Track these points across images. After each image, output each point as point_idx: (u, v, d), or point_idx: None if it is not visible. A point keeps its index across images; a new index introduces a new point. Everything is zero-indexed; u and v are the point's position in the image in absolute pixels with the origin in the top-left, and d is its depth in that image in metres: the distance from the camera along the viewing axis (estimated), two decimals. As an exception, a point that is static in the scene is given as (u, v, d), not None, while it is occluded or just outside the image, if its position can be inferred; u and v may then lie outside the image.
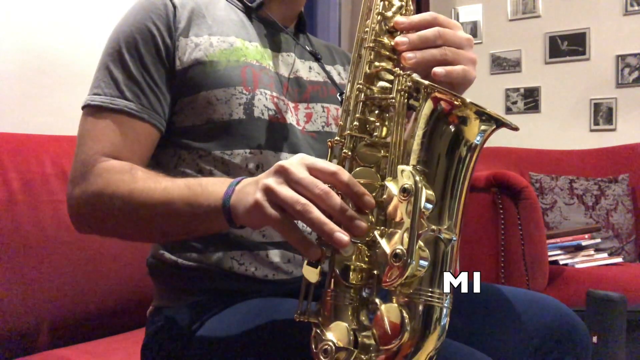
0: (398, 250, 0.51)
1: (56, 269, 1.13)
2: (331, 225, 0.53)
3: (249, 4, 0.89)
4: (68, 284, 1.15)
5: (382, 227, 0.56)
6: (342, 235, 0.53)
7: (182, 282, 0.80)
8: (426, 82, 0.56)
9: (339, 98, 0.88)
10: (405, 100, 0.59)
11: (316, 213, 0.53)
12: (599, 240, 2.16)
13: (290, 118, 0.84)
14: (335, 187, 0.56)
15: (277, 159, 0.80)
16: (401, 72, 0.60)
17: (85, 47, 1.54)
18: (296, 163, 0.56)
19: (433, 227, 0.53)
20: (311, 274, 0.57)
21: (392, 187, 0.54)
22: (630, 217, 2.37)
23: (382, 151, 0.61)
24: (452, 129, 0.55)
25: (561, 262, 2.01)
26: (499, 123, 0.56)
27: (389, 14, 0.67)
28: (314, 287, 0.59)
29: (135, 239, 0.79)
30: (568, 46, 2.93)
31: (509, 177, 1.86)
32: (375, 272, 0.57)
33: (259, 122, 0.80)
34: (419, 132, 0.56)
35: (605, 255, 2.13)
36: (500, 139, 2.72)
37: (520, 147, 2.68)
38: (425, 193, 0.52)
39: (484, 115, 0.55)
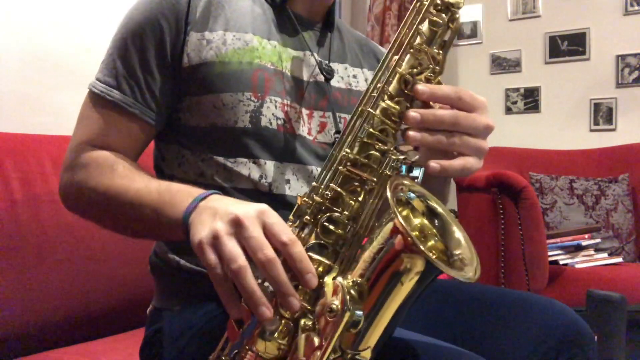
0: None
1: (56, 269, 1.13)
2: (258, 295, 0.52)
3: None
4: (68, 284, 1.15)
5: (309, 320, 0.55)
6: (266, 310, 0.52)
7: (183, 284, 0.80)
8: (393, 206, 0.52)
9: (333, 137, 0.83)
10: (387, 185, 0.57)
11: (248, 279, 0.52)
12: (599, 240, 2.16)
13: (302, 128, 0.81)
14: (283, 256, 0.54)
15: (281, 170, 0.78)
16: (393, 155, 0.59)
17: (85, 47, 1.54)
18: (254, 217, 0.54)
19: (349, 351, 0.52)
20: (232, 332, 0.57)
21: (329, 291, 0.54)
22: (630, 217, 2.37)
23: (343, 229, 0.58)
24: (397, 268, 0.53)
25: (561, 262, 2.02)
26: (440, 272, 0.53)
27: (410, 72, 0.61)
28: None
29: (112, 230, 0.79)
30: (568, 46, 2.93)
31: (509, 177, 1.86)
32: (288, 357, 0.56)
33: (266, 132, 0.77)
34: (375, 245, 0.54)
35: (605, 255, 2.13)
36: (500, 139, 2.73)
37: (520, 147, 2.68)
38: (352, 317, 0.51)
39: (432, 266, 0.52)
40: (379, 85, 0.62)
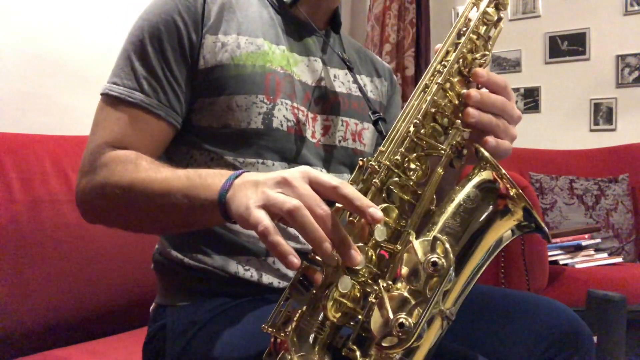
0: (404, 321, 0.50)
1: (56, 269, 1.13)
2: (320, 233, 0.51)
3: (283, 0, 0.86)
4: (68, 284, 1.15)
5: (388, 282, 0.54)
6: (328, 246, 0.50)
7: (186, 282, 0.80)
8: (492, 160, 0.56)
9: (372, 117, 0.83)
10: (452, 155, 0.60)
11: (306, 216, 0.51)
12: (599, 240, 2.17)
13: (307, 130, 0.83)
14: (337, 201, 0.54)
15: None
16: (460, 127, 0.61)
17: (86, 47, 1.55)
18: (299, 177, 0.54)
19: (442, 307, 0.52)
20: (298, 297, 0.55)
21: (418, 248, 0.53)
22: (630, 217, 2.37)
23: (409, 196, 0.59)
24: (494, 214, 0.55)
25: (561, 262, 2.02)
26: (539, 230, 0.56)
27: (470, 56, 0.66)
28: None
29: (137, 229, 0.77)
30: (568, 46, 2.93)
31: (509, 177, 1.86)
32: (359, 317, 0.54)
33: (277, 134, 0.79)
34: (459, 201, 0.56)
35: (605, 255, 2.13)
36: (500, 139, 2.72)
37: (520, 147, 2.68)
38: (453, 274, 0.52)
39: (529, 216, 0.55)
40: (444, 62, 0.66)
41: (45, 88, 1.45)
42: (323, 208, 0.52)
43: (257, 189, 0.55)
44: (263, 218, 0.52)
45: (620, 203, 2.37)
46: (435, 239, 0.53)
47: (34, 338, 1.09)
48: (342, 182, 0.54)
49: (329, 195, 0.53)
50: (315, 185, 0.54)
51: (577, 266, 2.00)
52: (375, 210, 0.52)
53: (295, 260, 0.50)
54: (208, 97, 0.78)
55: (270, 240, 0.51)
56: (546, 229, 0.56)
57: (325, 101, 0.86)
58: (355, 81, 0.87)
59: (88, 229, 1.17)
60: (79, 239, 1.16)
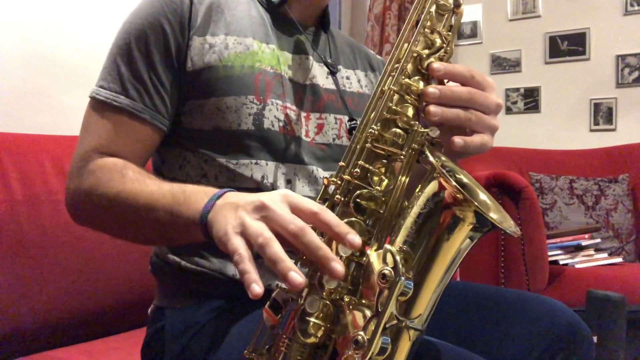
0: (359, 338, 0.49)
1: (56, 269, 1.13)
2: (287, 263, 0.50)
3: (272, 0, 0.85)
4: (68, 284, 1.15)
5: (352, 297, 0.54)
6: (296, 276, 0.49)
7: (184, 285, 0.80)
8: (435, 162, 0.54)
9: (347, 125, 0.83)
10: (414, 159, 0.59)
11: (275, 248, 0.51)
12: (599, 240, 2.16)
13: (301, 129, 0.82)
14: (317, 228, 0.53)
15: (282, 171, 0.79)
16: (419, 128, 0.59)
17: (86, 47, 1.55)
18: (279, 200, 0.54)
19: (403, 319, 0.51)
20: (268, 320, 0.56)
21: (374, 261, 0.53)
22: (630, 217, 2.37)
23: (376, 205, 0.58)
24: (447, 223, 0.54)
25: (561, 262, 2.02)
26: (495, 227, 0.54)
27: (425, 52, 0.63)
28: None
29: (122, 238, 0.78)
30: (568, 46, 2.93)
31: (509, 177, 1.86)
32: (333, 335, 0.54)
33: (268, 134, 0.78)
34: (416, 210, 0.55)
35: (605, 255, 2.13)
36: (500, 139, 2.72)
37: (520, 147, 2.68)
38: (404, 284, 0.50)
39: (482, 218, 0.53)
40: (396, 65, 0.63)
41: (46, 88, 1.45)
42: (296, 224, 0.52)
43: (236, 213, 0.56)
44: (239, 246, 0.53)
45: (620, 203, 2.37)
46: (385, 250, 0.52)
47: (33, 338, 1.09)
48: (322, 208, 0.54)
49: (309, 220, 0.53)
50: (296, 210, 0.54)
51: (577, 266, 2.00)
52: (354, 237, 0.52)
53: (258, 289, 0.50)
54: (197, 99, 0.77)
55: (241, 269, 0.52)
56: (503, 227, 0.54)
57: (318, 99, 0.86)
58: (336, 85, 0.86)
59: (87, 229, 1.16)
60: (79, 239, 1.16)
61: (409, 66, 0.63)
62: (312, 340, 0.54)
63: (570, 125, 2.94)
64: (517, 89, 3.04)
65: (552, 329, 0.74)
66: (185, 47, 0.76)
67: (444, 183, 0.54)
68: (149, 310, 0.86)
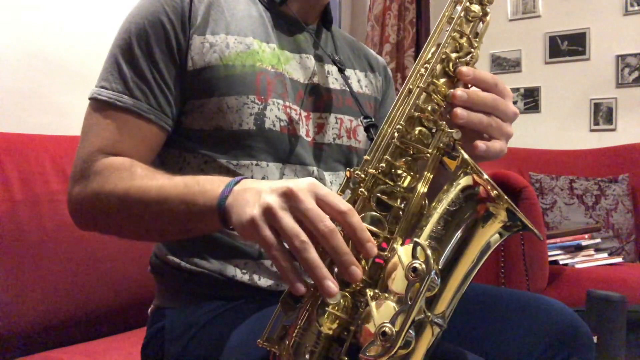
0: (387, 329, 0.49)
1: (56, 269, 1.13)
2: (324, 271, 0.50)
3: None
4: (68, 284, 1.15)
5: (375, 290, 0.54)
6: (332, 285, 0.50)
7: (183, 285, 0.80)
8: (469, 159, 0.55)
9: (363, 123, 0.82)
10: (440, 157, 0.59)
11: (313, 254, 0.51)
12: (599, 240, 2.16)
13: (301, 129, 0.81)
14: (340, 226, 0.53)
15: (283, 171, 0.79)
16: (446, 129, 0.59)
17: (85, 47, 1.54)
18: (305, 190, 0.53)
19: (429, 313, 0.51)
20: (288, 308, 0.56)
21: (402, 255, 0.52)
22: (630, 217, 2.37)
23: (398, 202, 0.58)
24: (477, 220, 0.54)
25: (561, 262, 2.02)
26: (526, 228, 0.55)
27: (454, 55, 0.64)
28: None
29: (133, 237, 0.77)
30: (568, 46, 2.93)
31: (509, 177, 1.86)
32: (352, 327, 0.54)
33: (269, 134, 0.78)
34: (445, 205, 0.55)
35: (605, 255, 2.13)
36: (500, 139, 2.72)
37: (520, 147, 2.68)
38: (433, 279, 0.50)
39: (513, 216, 0.54)
40: (426, 65, 0.64)
41: (46, 88, 1.45)
42: (327, 225, 0.51)
43: (259, 199, 0.54)
44: (274, 241, 0.52)
45: (620, 203, 2.37)
46: (416, 244, 0.52)
47: (33, 338, 1.09)
48: (350, 209, 0.53)
49: (334, 217, 0.53)
50: (322, 203, 0.53)
51: (577, 266, 2.00)
52: (372, 247, 0.53)
53: (303, 288, 0.51)
54: (198, 99, 0.77)
55: (283, 267, 0.52)
56: (533, 227, 0.54)
57: (318, 99, 0.85)
58: (346, 82, 0.86)
59: (88, 229, 1.17)
60: (79, 239, 1.16)
61: (438, 67, 0.64)
62: (327, 330, 0.54)
63: (570, 125, 2.94)
64: (517, 89, 3.04)
65: (552, 329, 0.74)
66: (185, 46, 0.76)
67: (477, 179, 0.54)
68: (149, 311, 0.86)
